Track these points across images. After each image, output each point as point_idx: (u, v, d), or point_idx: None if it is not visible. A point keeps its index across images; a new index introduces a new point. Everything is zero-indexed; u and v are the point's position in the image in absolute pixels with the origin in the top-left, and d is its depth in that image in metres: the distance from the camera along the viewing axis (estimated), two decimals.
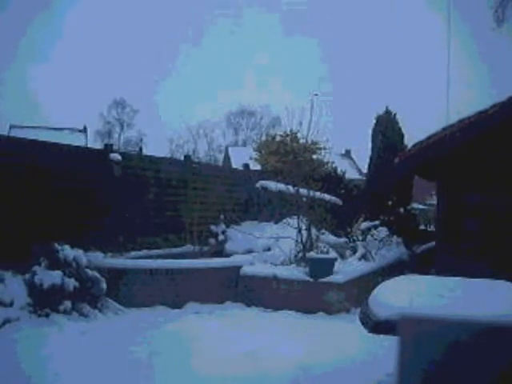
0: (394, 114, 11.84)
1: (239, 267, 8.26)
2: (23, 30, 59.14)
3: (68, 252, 6.76)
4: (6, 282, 6.37)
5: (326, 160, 12.83)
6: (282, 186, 10.21)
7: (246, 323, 6.70)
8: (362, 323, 3.65)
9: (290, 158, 11.46)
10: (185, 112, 67.36)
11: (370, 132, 11.99)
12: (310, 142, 11.11)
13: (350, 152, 35.09)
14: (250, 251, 9.38)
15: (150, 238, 9.32)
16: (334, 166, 13.62)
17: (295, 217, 9.27)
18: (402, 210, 10.98)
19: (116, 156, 8.99)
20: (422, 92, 46.22)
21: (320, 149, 13.15)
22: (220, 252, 9.90)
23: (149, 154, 16.39)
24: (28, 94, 50.35)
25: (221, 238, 10.50)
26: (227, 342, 5.56)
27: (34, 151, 7.74)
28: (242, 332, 6.14)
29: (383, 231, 10.14)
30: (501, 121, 6.30)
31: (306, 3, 55.98)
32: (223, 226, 10.72)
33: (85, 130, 31.76)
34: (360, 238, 10.37)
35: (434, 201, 8.81)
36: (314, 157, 12.80)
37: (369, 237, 10.10)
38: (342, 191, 12.17)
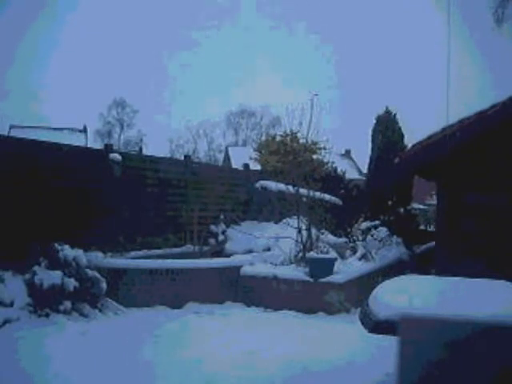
0: (394, 114, 11.83)
1: (239, 267, 8.26)
2: (24, 30, 59.13)
3: (68, 252, 6.76)
4: (6, 282, 6.38)
5: (326, 160, 12.78)
6: (282, 186, 10.21)
7: (246, 323, 6.70)
8: (362, 323, 3.65)
9: (290, 158, 11.44)
10: (185, 112, 67.52)
11: (370, 132, 11.99)
12: (310, 142, 11.10)
13: (349, 152, 35.07)
14: (250, 251, 9.38)
15: (149, 237, 9.32)
16: (334, 165, 13.58)
17: (295, 217, 9.27)
18: (401, 210, 10.98)
19: (116, 156, 9.00)
20: (422, 92, 46.25)
21: (320, 149, 13.12)
22: (220, 252, 9.91)
23: (149, 154, 16.45)
24: (28, 94, 50.31)
25: (221, 238, 10.51)
26: (227, 342, 5.56)
27: (34, 151, 7.75)
28: (242, 332, 6.14)
29: (383, 231, 10.12)
30: (501, 121, 6.29)
31: (306, 3, 56.06)
32: (223, 226, 10.73)
33: (85, 130, 31.75)
34: (360, 237, 10.36)
35: (434, 201, 8.81)
36: (314, 157, 12.77)
37: (369, 237, 10.08)
38: (342, 191, 12.16)
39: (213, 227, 10.59)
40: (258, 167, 14.94)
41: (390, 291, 3.60)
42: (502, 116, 6.28)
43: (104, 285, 6.87)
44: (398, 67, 52.06)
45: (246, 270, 8.24)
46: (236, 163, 26.17)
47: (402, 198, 11.13)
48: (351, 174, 19.63)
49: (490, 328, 3.05)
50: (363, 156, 15.33)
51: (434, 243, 7.90)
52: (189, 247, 9.84)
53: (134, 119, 46.74)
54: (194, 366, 4.80)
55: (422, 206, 18.54)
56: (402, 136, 11.62)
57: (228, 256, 9.25)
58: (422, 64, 42.77)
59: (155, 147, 38.62)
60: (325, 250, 8.29)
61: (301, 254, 8.50)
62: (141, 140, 43.88)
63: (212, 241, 10.38)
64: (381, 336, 3.53)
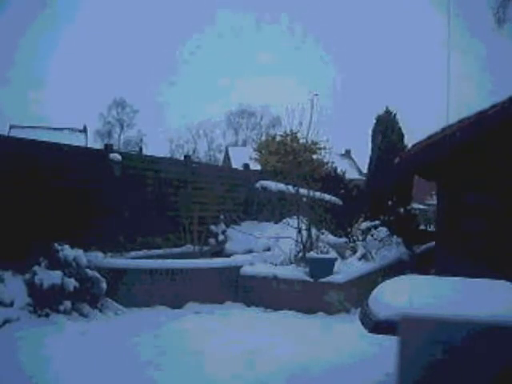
0: (394, 114, 11.83)
1: (239, 267, 8.25)
2: (24, 30, 59.13)
3: (68, 252, 6.76)
4: (6, 282, 6.38)
5: (326, 160, 12.78)
6: (281, 186, 10.21)
7: (245, 323, 6.70)
8: (362, 323, 3.65)
9: (290, 158, 11.43)
10: (185, 112, 67.52)
11: (370, 132, 11.99)
12: (310, 142, 11.09)
13: (349, 152, 35.12)
14: (250, 251, 9.38)
15: (149, 237, 9.31)
16: (334, 165, 13.58)
17: (295, 217, 9.26)
18: (401, 210, 10.98)
19: (116, 156, 9.00)
20: (422, 92, 46.27)
21: (320, 149, 13.11)
22: (220, 252, 9.90)
23: (149, 154, 16.45)
24: (28, 94, 50.34)
25: (221, 238, 10.50)
26: (227, 342, 5.57)
27: (34, 151, 7.74)
28: (241, 332, 6.14)
29: (383, 231, 10.12)
30: (501, 121, 6.29)
31: (306, 3, 56.04)
32: (223, 226, 10.72)
33: (85, 130, 31.79)
34: (360, 237, 10.36)
35: (434, 201, 8.82)
36: (314, 157, 12.75)
37: (369, 237, 10.08)
38: (342, 191, 12.16)
39: (213, 227, 10.58)
40: (258, 167, 14.93)
41: (390, 291, 3.60)
42: (502, 116, 6.27)
43: (104, 285, 6.87)
44: (398, 67, 52.11)
45: (246, 269, 8.23)
46: (236, 163, 26.19)
47: (401, 198, 11.13)
48: (351, 174, 19.64)
49: (490, 328, 3.05)
50: (363, 156, 15.33)
51: (433, 243, 7.90)
52: (189, 247, 9.83)
53: (134, 119, 46.84)
54: (193, 365, 4.80)
55: (421, 206, 18.55)
56: (402, 136, 11.62)
57: (228, 256, 9.24)
58: (422, 64, 42.88)
59: (155, 147, 38.69)
60: (325, 250, 8.29)
61: (301, 254, 8.49)
62: (141, 140, 43.97)
63: (212, 241, 10.37)
64: (381, 336, 3.53)
